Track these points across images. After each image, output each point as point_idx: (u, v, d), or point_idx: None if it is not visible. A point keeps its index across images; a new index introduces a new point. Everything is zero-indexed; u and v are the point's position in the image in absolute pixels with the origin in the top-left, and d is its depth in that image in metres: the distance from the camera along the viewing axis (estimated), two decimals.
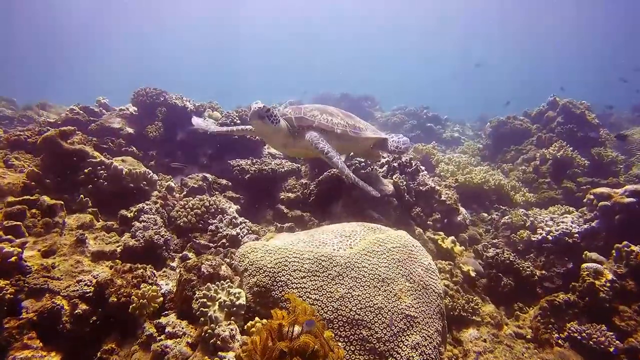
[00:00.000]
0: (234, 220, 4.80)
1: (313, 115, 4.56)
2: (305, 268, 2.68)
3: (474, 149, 11.15)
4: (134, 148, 6.65)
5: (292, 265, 2.69)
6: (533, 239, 5.74)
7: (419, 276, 2.87)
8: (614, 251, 4.63)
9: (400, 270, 2.80)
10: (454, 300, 3.87)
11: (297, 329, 2.01)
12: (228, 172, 6.40)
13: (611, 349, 3.79)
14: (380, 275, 2.71)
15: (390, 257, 2.85)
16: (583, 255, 4.96)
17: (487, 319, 3.99)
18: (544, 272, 5.28)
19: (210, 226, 4.80)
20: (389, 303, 2.60)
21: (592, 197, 5.58)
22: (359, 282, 2.65)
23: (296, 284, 2.60)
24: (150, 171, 5.09)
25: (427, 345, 2.60)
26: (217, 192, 5.95)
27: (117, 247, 3.99)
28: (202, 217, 4.96)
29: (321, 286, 2.60)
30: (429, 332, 2.65)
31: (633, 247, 4.39)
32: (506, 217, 6.32)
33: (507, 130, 10.86)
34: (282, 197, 5.99)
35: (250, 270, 2.68)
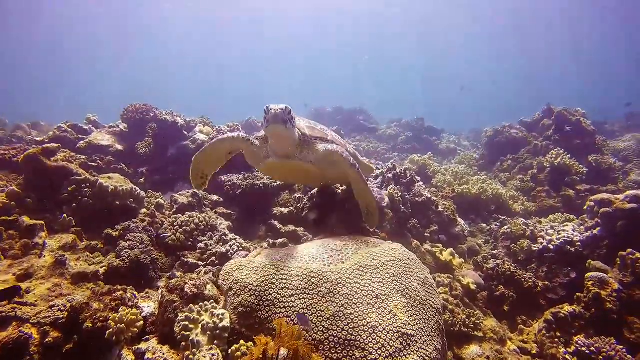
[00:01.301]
0: (223, 237, 4.63)
1: (323, 128, 3.97)
2: (294, 285, 2.52)
3: (471, 159, 11.05)
4: (124, 165, 6.52)
5: (280, 283, 2.52)
6: (534, 248, 5.58)
7: (415, 291, 2.70)
8: (618, 259, 4.47)
9: (395, 285, 2.64)
10: (454, 316, 3.69)
11: (282, 353, 1.84)
12: (220, 187, 6.25)
13: None
14: (373, 292, 2.55)
15: (384, 271, 2.69)
16: (587, 264, 4.80)
17: (489, 334, 3.80)
18: (546, 282, 5.10)
19: (200, 244, 4.63)
20: (384, 321, 2.42)
21: (592, 204, 5.44)
22: (351, 300, 2.48)
23: (284, 302, 2.43)
24: (137, 188, 4.94)
25: None
26: (208, 209, 5.79)
27: (101, 267, 3.81)
28: (192, 235, 4.79)
29: (311, 304, 2.43)
30: (427, 351, 2.47)
31: (638, 254, 4.23)
32: (505, 227, 6.16)
33: (503, 139, 10.78)
34: (275, 212, 5.83)
35: (235, 289, 2.51)
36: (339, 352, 2.28)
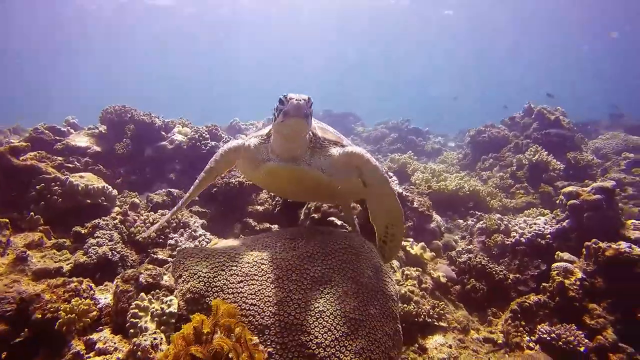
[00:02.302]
0: (193, 233, 4.65)
1: (335, 132, 3.33)
2: (244, 272, 2.55)
3: (453, 158, 11.17)
4: (102, 166, 6.52)
5: (230, 270, 2.55)
6: (507, 242, 5.65)
7: (367, 278, 2.74)
8: (584, 249, 4.54)
9: (346, 272, 2.68)
10: (419, 307, 3.73)
11: (218, 333, 1.87)
12: None
13: (581, 349, 3.66)
14: (323, 278, 2.58)
15: (335, 258, 2.72)
16: (555, 256, 4.87)
17: (453, 324, 3.84)
18: (518, 275, 5.16)
19: (170, 240, 4.65)
20: (332, 306, 2.46)
21: (562, 197, 5.53)
22: (300, 285, 2.51)
23: (232, 289, 2.46)
24: (109, 187, 4.95)
25: (374, 349, 2.45)
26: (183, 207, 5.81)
27: (67, 264, 3.82)
28: (163, 232, 4.81)
29: (259, 290, 2.46)
30: (376, 336, 2.50)
31: (601, 244, 4.30)
32: (481, 223, 6.23)
33: (486, 138, 10.91)
34: (250, 210, 5.86)
35: (184, 277, 2.54)
36: (285, 336, 2.31)
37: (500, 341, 4.09)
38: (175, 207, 3.39)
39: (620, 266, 4.00)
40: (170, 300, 2.43)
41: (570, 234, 5.19)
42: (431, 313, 3.72)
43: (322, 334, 2.34)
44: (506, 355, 3.80)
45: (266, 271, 2.56)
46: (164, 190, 5.77)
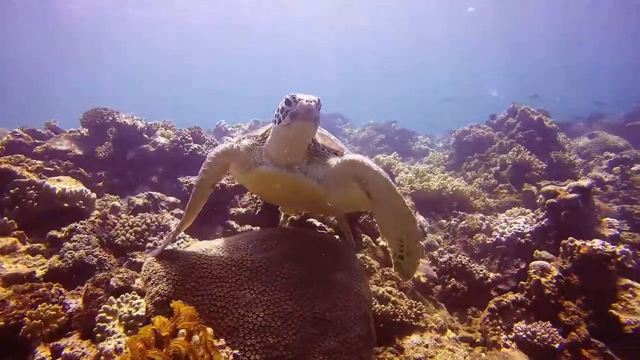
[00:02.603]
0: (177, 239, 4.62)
1: (336, 140, 3.16)
2: (213, 274, 2.54)
3: (439, 158, 11.25)
4: (82, 170, 6.46)
5: (199, 272, 2.54)
6: (488, 241, 5.71)
7: (339, 278, 2.75)
8: (561, 248, 4.60)
9: (318, 272, 2.68)
10: (396, 307, 3.74)
11: (182, 336, 1.86)
12: (178, 189, 6.26)
13: (556, 345, 3.70)
14: (293, 279, 2.58)
15: (307, 259, 2.73)
16: (534, 254, 4.92)
17: (431, 324, 3.87)
18: (498, 274, 5.21)
19: (149, 244, 4.62)
20: (301, 307, 2.46)
21: (541, 196, 5.60)
22: (270, 287, 2.51)
23: (202, 290, 2.45)
24: (87, 190, 4.90)
25: (344, 351, 2.46)
26: (164, 210, 5.77)
27: (41, 269, 3.77)
28: (142, 235, 4.77)
29: (228, 292, 2.46)
30: (347, 337, 2.51)
31: (577, 242, 4.35)
32: (463, 222, 6.28)
33: (471, 138, 11.00)
34: (232, 212, 5.84)
35: (153, 279, 2.52)
36: (253, 338, 2.30)
37: (478, 340, 4.13)
38: (174, 229, 3.32)
39: (594, 263, 4.06)
40: (138, 304, 2.41)
41: (549, 232, 5.26)
42: (408, 313, 3.74)
43: (291, 335, 2.34)
44: (483, 353, 3.83)
45: (236, 273, 2.56)
46: (145, 193, 5.72)
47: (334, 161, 2.70)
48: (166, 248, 2.81)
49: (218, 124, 12.67)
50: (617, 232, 4.90)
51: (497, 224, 5.87)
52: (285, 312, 2.41)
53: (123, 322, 2.35)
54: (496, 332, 4.05)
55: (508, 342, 3.95)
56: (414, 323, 3.77)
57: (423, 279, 4.70)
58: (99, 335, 2.35)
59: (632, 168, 9.74)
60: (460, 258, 5.09)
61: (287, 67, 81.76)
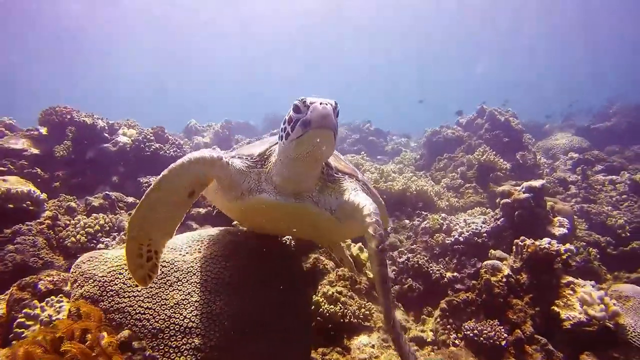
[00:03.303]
0: (124, 237, 4.53)
1: (347, 160, 2.94)
2: None
3: (410, 158, 11.35)
4: (39, 169, 6.29)
5: (129, 274, 2.48)
6: (447, 241, 5.77)
7: (276, 278, 2.73)
8: (514, 247, 4.68)
9: (252, 273, 2.66)
10: (345, 307, 3.75)
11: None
12: (138, 189, 6.15)
13: (502, 343, 3.76)
14: (224, 280, 2.55)
15: (240, 260, 2.70)
16: (489, 254, 5.00)
17: (379, 324, 3.88)
18: (455, 274, 5.28)
19: (100, 245, 4.52)
20: (230, 308, 2.44)
21: (498, 196, 5.71)
22: (200, 288, 2.48)
23: (129, 292, 2.40)
24: (36, 190, 4.76)
25: (274, 352, 2.45)
26: (122, 211, 5.66)
27: None
28: (95, 236, 4.67)
29: (156, 293, 2.41)
30: (278, 338, 2.50)
31: (526, 241, 4.44)
32: (425, 222, 6.34)
33: (441, 139, 11.15)
34: (192, 212, 5.77)
35: (79, 281, 2.46)
36: (179, 339, 2.27)
37: (429, 339, 4.17)
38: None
39: (541, 262, 4.15)
40: (61, 307, 2.34)
41: (504, 232, 5.36)
42: (357, 313, 3.74)
43: (218, 337, 2.32)
44: (432, 353, 3.87)
45: (166, 274, 2.52)
46: (102, 193, 5.60)
47: (349, 187, 2.32)
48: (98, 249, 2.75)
49: (189, 123, 12.51)
50: (567, 231, 5.02)
51: (457, 224, 5.95)
52: (213, 314, 2.39)
53: (42, 327, 2.28)
54: (446, 332, 4.10)
55: (457, 341, 4.00)
56: (363, 323, 3.78)
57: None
58: (14, 343, 2.27)
59: (594, 168, 10.05)
60: (417, 258, 5.14)
61: (254, 66, 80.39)
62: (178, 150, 7.20)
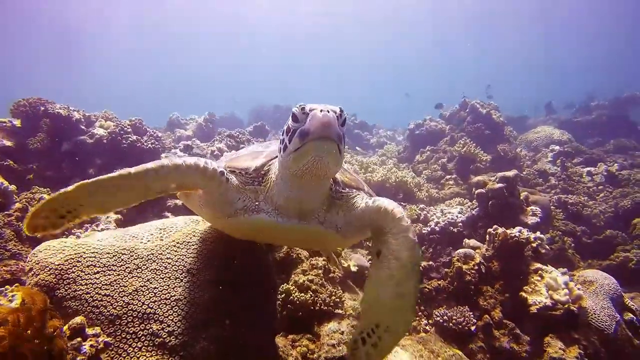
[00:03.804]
0: (95, 228, 4.49)
1: (350, 170, 2.68)
2: (102, 263, 2.46)
3: (393, 151, 11.41)
4: (11, 162, 6.17)
5: (87, 261, 2.45)
6: (424, 231, 5.82)
7: (236, 266, 2.73)
8: (487, 235, 4.75)
9: (213, 261, 2.64)
10: (316, 295, 3.76)
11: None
12: None
13: (472, 328, 3.83)
14: (185, 267, 2.54)
15: (202, 247, 2.69)
16: (463, 243, 5.07)
17: (349, 312, 3.91)
18: (431, 262, 5.34)
19: (71, 236, 4.46)
20: (190, 294, 2.43)
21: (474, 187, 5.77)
22: (159, 274, 2.46)
23: (86, 280, 2.37)
24: (4, 182, 4.67)
25: (234, 337, 2.44)
26: None
27: None
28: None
29: (115, 280, 2.39)
30: (239, 322, 2.50)
31: (498, 230, 4.51)
32: None
33: (424, 131, 11.22)
34: (169, 204, 5.74)
35: (34, 270, 2.42)
36: (136, 325, 2.26)
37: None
38: None
39: (511, 249, 4.22)
40: (13, 296, 2.31)
41: (479, 221, 5.43)
42: (327, 301, 3.76)
43: (176, 322, 2.31)
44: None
45: (125, 261, 2.49)
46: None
47: (359, 203, 2.08)
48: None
49: (171, 116, 12.38)
50: (539, 220, 5.11)
51: (434, 214, 6.01)
52: (173, 299, 2.38)
53: None
54: (417, 318, 4.15)
55: (427, 327, 4.05)
56: (334, 311, 3.80)
57: (354, 268, 4.75)
58: None
59: (573, 160, 10.21)
60: None
61: (241, 58, 79.07)
62: (156, 143, 7.12)
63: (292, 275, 4.02)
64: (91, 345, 1.95)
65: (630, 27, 47.97)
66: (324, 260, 4.52)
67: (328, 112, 1.64)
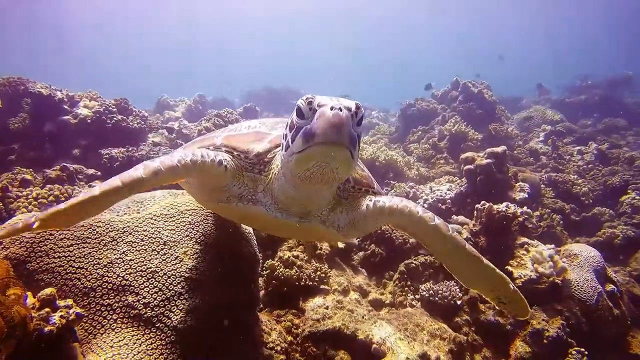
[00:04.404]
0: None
1: (363, 167, 2.25)
2: (76, 235, 2.40)
3: (384, 131, 11.35)
4: None
5: (60, 234, 2.39)
6: None
7: (215, 239, 2.68)
8: (475, 211, 4.73)
9: (190, 232, 2.60)
10: (301, 271, 3.75)
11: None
12: (99, 162, 5.99)
13: (458, 302, 3.84)
14: (162, 239, 2.49)
15: (180, 219, 2.63)
16: (451, 219, 5.05)
17: (334, 287, 3.90)
18: None
19: None
20: (166, 266, 2.38)
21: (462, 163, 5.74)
22: (135, 247, 2.41)
23: (60, 252, 2.31)
24: None
25: (210, 309, 2.41)
26: (82, 183, 5.51)
27: None
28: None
29: (89, 253, 2.33)
30: (217, 295, 2.47)
31: (486, 205, 4.49)
32: (392, 191, 6.36)
33: (415, 111, 11.14)
34: None
35: (4, 243, 2.36)
36: (111, 298, 2.22)
37: (387, 301, 4.22)
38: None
39: (498, 224, 4.21)
40: None
41: (467, 198, 5.41)
42: (312, 276, 3.75)
43: (152, 294, 2.27)
44: (387, 314, 3.92)
45: (100, 234, 2.43)
46: (58, 165, 5.42)
47: (368, 204, 1.90)
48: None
49: (160, 98, 12.18)
50: (527, 196, 5.10)
51: (423, 191, 5.98)
52: (149, 271, 2.33)
53: None
54: (403, 293, 4.15)
55: (414, 302, 4.05)
56: (319, 286, 3.79)
57: (341, 245, 4.73)
58: None
59: (565, 140, 10.20)
60: None
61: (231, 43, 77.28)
62: (142, 123, 6.99)
63: (278, 252, 4.00)
64: (61, 316, 1.90)
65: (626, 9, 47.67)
66: None
67: (340, 110, 1.35)
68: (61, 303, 2.05)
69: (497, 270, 2.02)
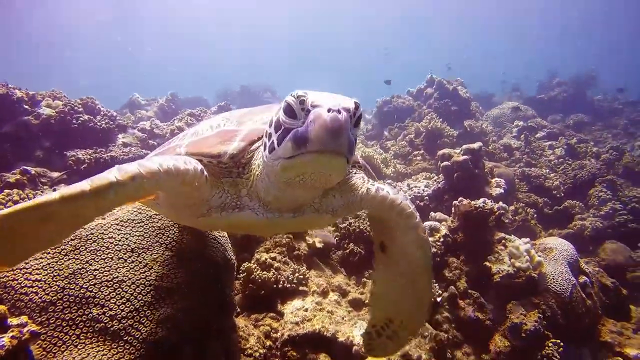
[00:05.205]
0: None
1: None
2: None
3: (361, 128, 11.32)
4: None
5: None
6: None
7: (186, 244, 2.54)
8: (453, 207, 4.74)
9: (160, 238, 2.46)
10: (279, 272, 3.64)
11: None
12: (65, 164, 5.70)
13: (437, 299, 3.82)
14: (129, 246, 2.34)
15: (149, 224, 2.49)
16: (429, 216, 5.05)
17: (313, 288, 3.82)
18: None
19: None
20: (134, 275, 2.24)
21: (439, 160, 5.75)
22: (100, 255, 2.25)
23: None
24: None
25: (184, 318, 2.28)
26: (45, 187, 5.22)
27: None
28: None
29: (48, 264, 2.16)
30: (189, 303, 2.34)
31: (464, 201, 4.50)
32: None
33: (392, 108, 11.19)
34: None
35: None
36: (74, 311, 2.06)
37: (367, 301, 4.16)
38: None
39: (475, 220, 4.22)
40: None
41: (445, 194, 5.42)
42: (291, 278, 3.65)
43: (119, 305, 2.13)
44: (367, 315, 3.86)
45: (61, 242, 2.27)
46: (18, 169, 5.11)
47: (359, 185, 1.77)
48: None
49: (131, 97, 11.77)
50: (503, 191, 5.16)
51: (401, 188, 5.97)
52: (115, 281, 2.18)
53: None
54: None
55: None
56: (298, 288, 3.70)
57: (319, 245, 4.64)
58: None
59: (536, 135, 10.44)
60: (359, 223, 5.10)
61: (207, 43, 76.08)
62: (111, 123, 6.70)
63: (255, 254, 3.88)
64: (12, 337, 1.74)
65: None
66: (287, 237, 4.39)
67: (339, 112, 1.18)
68: (13, 321, 1.88)
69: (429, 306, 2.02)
